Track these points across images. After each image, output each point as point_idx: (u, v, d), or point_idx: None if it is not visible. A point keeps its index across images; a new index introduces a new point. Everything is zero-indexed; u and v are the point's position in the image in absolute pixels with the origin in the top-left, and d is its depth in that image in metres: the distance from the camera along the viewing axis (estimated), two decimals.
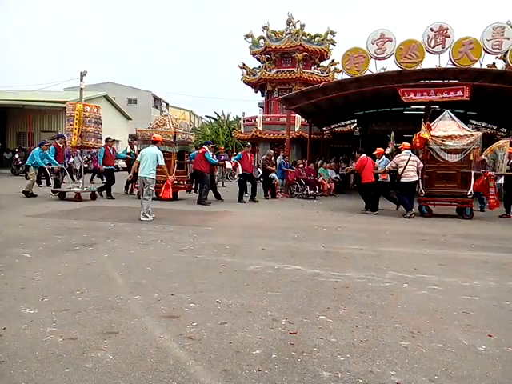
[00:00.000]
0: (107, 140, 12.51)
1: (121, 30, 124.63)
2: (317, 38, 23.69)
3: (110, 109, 35.31)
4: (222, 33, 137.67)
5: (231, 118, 42.64)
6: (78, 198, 10.65)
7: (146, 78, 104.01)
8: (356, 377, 2.45)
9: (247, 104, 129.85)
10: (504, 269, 5.21)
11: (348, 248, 6.13)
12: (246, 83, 24.87)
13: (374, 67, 15.79)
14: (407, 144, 10.33)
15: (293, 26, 23.40)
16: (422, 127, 10.04)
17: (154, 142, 8.74)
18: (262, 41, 23.95)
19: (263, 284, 4.21)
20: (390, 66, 16.57)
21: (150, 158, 8.33)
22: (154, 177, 8.43)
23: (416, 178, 9.92)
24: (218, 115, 42.69)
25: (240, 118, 27.78)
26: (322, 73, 23.73)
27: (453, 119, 10.26)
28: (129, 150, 14.36)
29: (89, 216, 8.50)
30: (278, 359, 2.63)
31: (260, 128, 22.98)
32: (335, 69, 23.20)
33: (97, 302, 3.54)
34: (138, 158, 8.68)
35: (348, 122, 21.68)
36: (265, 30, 23.84)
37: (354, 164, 12.40)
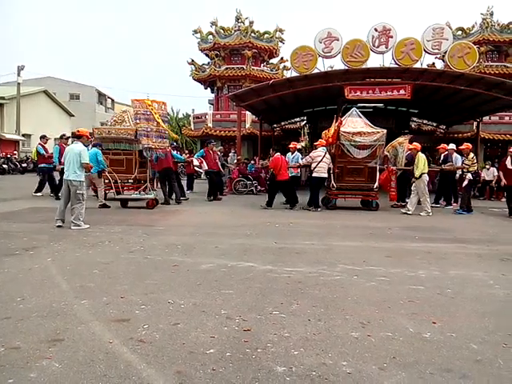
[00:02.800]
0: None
1: (62, 23, 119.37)
2: (266, 36, 23.90)
3: (49, 105, 33.57)
4: (170, 27, 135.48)
5: (180, 115, 42.07)
6: (151, 204, 9.81)
7: (90, 73, 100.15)
8: (309, 369, 2.48)
9: (197, 101, 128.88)
10: (446, 258, 5.51)
11: (300, 243, 6.22)
12: (195, 79, 24.60)
13: (322, 65, 16.15)
14: (323, 141, 10.79)
15: (241, 22, 23.43)
16: (333, 123, 10.43)
17: (78, 137, 7.42)
18: (210, 37, 23.78)
19: (216, 282, 4.17)
20: (337, 64, 17.03)
21: (73, 158, 7.05)
22: (82, 178, 7.19)
23: (325, 175, 10.35)
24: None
25: (190, 115, 27.43)
26: (271, 70, 23.99)
27: (359, 116, 10.77)
28: None
29: (29, 218, 8.04)
30: (233, 357, 2.61)
31: (210, 125, 22.82)
32: (284, 66, 23.57)
33: (40, 308, 3.35)
34: (62, 159, 7.48)
35: (298, 119, 21.98)
36: (213, 26, 23.68)
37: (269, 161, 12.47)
